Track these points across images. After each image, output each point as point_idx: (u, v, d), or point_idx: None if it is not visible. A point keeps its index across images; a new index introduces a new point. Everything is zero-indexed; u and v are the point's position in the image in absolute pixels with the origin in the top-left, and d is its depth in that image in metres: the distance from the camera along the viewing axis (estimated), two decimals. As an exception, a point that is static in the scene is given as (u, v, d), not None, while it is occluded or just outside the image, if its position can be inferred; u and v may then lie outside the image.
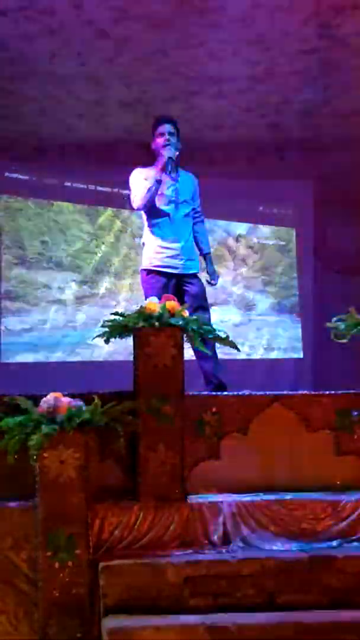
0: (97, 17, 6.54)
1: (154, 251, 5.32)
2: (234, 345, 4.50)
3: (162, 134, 5.36)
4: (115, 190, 9.24)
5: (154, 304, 4.09)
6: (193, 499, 4.02)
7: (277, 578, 3.66)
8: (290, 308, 9.86)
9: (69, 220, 9.07)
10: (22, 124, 8.32)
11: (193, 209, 5.50)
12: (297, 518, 4.01)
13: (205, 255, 5.64)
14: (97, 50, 7.03)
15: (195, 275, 5.41)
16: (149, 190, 5.25)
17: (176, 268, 5.30)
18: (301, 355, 9.73)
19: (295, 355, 9.69)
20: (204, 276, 5.61)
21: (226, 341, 4.40)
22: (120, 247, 9.25)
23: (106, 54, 7.12)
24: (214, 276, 5.61)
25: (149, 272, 5.33)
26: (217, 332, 4.34)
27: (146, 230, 5.46)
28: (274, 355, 9.62)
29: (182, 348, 4.10)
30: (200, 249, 5.60)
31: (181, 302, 5.14)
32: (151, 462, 3.97)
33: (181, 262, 5.31)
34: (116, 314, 4.15)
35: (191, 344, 4.73)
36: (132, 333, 4.10)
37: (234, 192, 9.17)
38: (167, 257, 5.30)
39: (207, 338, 4.30)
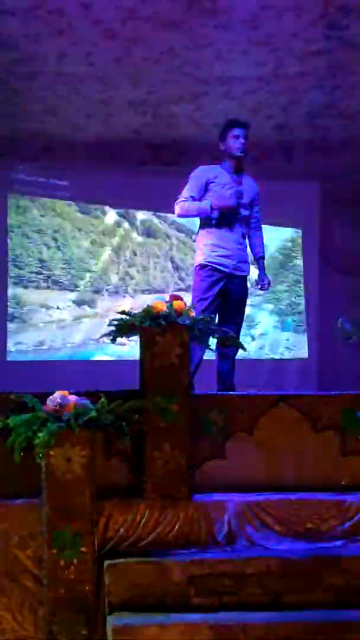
0: (105, 17, 6.55)
1: (209, 249, 5.41)
2: (240, 345, 4.58)
3: (237, 137, 5.43)
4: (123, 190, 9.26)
5: (160, 303, 4.10)
6: (198, 498, 4.02)
7: (281, 577, 3.66)
8: (295, 326, 9.87)
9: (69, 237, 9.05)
10: (30, 124, 8.34)
11: (250, 214, 5.55)
12: (302, 518, 4.01)
13: (258, 260, 5.69)
14: (106, 50, 7.05)
15: (243, 278, 5.49)
16: (199, 213, 5.41)
17: (227, 267, 5.37)
18: (306, 356, 9.74)
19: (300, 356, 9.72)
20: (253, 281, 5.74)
21: (233, 341, 4.44)
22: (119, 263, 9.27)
23: (114, 54, 7.14)
24: (264, 282, 5.64)
25: (202, 266, 5.42)
26: (224, 332, 4.37)
27: (200, 227, 5.54)
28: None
29: (188, 347, 4.10)
30: (253, 253, 5.67)
31: (222, 301, 5.32)
32: (157, 461, 3.97)
33: (233, 263, 5.38)
34: (123, 312, 4.16)
35: (216, 343, 4.92)
36: (138, 332, 4.11)
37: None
38: (220, 255, 5.38)
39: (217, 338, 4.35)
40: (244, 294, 5.49)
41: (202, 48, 7.03)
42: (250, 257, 5.66)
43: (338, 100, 8.03)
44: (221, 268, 5.36)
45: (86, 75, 7.48)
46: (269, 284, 5.72)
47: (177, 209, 5.46)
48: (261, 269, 5.69)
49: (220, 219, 5.38)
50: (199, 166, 5.52)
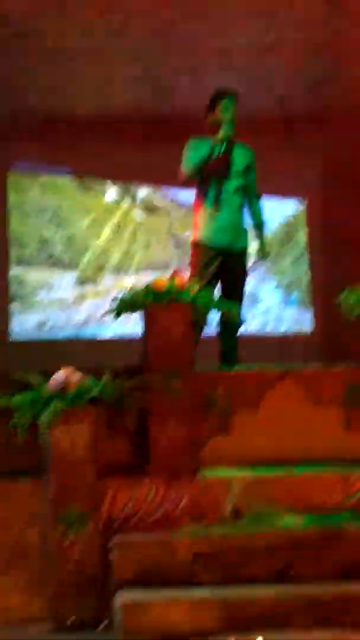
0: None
1: (203, 225, 5.29)
2: (242, 321, 4.58)
3: (227, 108, 5.31)
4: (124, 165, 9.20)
5: (162, 280, 4.07)
6: (204, 474, 4.03)
7: (287, 552, 3.66)
8: (300, 301, 9.81)
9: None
10: (29, 100, 8.27)
11: (246, 182, 5.38)
12: (307, 492, 4.01)
13: (257, 227, 5.52)
14: (104, 25, 6.98)
15: (241, 251, 5.35)
16: (196, 164, 5.25)
17: (223, 242, 5.24)
18: (310, 331, 9.72)
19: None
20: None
21: (235, 316, 4.44)
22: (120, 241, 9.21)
23: (113, 29, 7.06)
24: (261, 252, 5.53)
25: (197, 244, 5.32)
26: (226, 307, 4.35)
27: (195, 203, 5.42)
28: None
29: (191, 324, 4.08)
30: (252, 221, 5.50)
31: (221, 275, 5.22)
32: (162, 438, 3.97)
33: (229, 236, 5.26)
34: (125, 290, 4.15)
35: (219, 319, 4.86)
36: (141, 309, 4.10)
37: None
38: (214, 230, 5.26)
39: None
40: (242, 269, 5.36)
41: (201, 20, 6.95)
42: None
43: (340, 70, 7.95)
44: (216, 244, 5.24)
45: (84, 50, 7.41)
46: (268, 253, 5.61)
47: (182, 173, 5.33)
48: (261, 236, 5.53)
49: (214, 191, 5.30)
50: (189, 140, 5.43)
